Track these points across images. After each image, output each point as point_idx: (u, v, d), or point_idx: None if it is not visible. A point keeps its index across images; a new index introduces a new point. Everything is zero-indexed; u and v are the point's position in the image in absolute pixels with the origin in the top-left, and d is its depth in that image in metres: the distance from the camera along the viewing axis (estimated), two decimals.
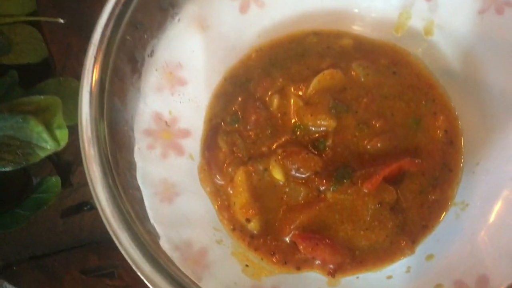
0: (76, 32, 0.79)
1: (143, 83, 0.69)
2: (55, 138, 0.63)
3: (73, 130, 0.74)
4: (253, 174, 0.72)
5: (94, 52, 0.56)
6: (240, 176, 0.72)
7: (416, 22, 0.76)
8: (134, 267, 0.53)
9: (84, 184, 0.78)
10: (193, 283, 0.54)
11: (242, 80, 0.79)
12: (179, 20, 0.69)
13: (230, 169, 0.73)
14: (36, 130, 0.63)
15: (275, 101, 0.75)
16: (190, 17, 0.73)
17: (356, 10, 0.79)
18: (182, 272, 0.55)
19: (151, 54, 0.66)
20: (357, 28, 0.79)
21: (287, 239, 0.70)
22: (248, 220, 0.71)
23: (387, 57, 0.78)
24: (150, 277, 0.53)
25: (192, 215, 0.71)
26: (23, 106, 0.66)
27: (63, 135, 0.63)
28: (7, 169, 0.62)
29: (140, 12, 0.62)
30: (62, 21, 0.65)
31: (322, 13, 0.81)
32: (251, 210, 0.71)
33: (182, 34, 0.71)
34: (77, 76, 0.77)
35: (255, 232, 0.71)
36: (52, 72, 0.78)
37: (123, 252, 0.53)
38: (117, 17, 0.58)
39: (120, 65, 0.61)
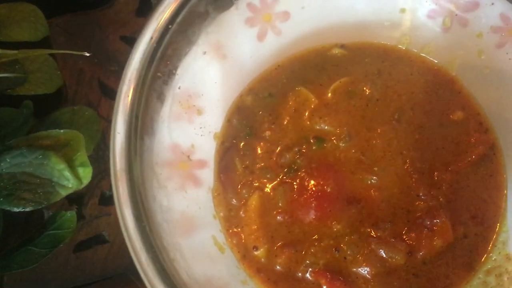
0: (88, 58, 0.76)
1: (167, 113, 0.67)
2: (77, 176, 0.61)
3: None
4: (267, 200, 0.71)
5: (128, 91, 0.54)
6: (254, 201, 0.71)
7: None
8: None
9: (96, 216, 0.75)
10: None
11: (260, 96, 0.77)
12: (205, 53, 0.67)
13: (244, 191, 0.71)
14: (58, 168, 0.60)
15: None
16: (212, 48, 0.71)
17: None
18: None
19: (179, 88, 0.64)
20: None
21: (300, 274, 0.69)
22: (255, 248, 0.69)
23: None
24: None
25: (212, 250, 0.70)
26: (41, 141, 0.63)
27: (86, 173, 0.60)
28: (28, 209, 0.59)
29: (170, 48, 0.60)
30: (87, 54, 0.62)
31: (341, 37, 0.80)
32: (260, 238, 0.69)
33: (205, 66, 0.70)
34: (89, 103, 0.75)
35: (263, 260, 0.69)
36: (64, 99, 0.75)
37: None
38: (151, 54, 0.56)
39: (151, 102, 0.59)
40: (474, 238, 0.68)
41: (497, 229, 0.69)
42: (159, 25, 0.56)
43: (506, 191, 0.69)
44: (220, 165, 0.73)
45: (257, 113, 0.75)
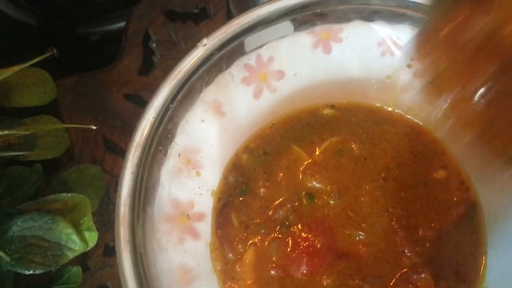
0: (94, 116, 0.81)
1: (167, 177, 0.72)
2: (84, 240, 0.65)
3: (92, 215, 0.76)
4: (262, 255, 0.75)
5: (132, 168, 0.59)
6: (249, 256, 0.75)
7: None
8: None
9: (100, 267, 0.80)
10: None
11: (255, 154, 0.81)
12: (203, 121, 0.72)
13: (240, 246, 0.76)
14: (66, 232, 0.64)
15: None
16: (210, 111, 0.76)
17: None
18: None
19: (178, 156, 0.69)
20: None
21: None
22: None
23: None
24: None
25: None
26: (50, 204, 0.67)
27: (92, 237, 0.65)
28: (37, 272, 0.64)
29: (170, 123, 0.65)
30: (94, 127, 0.67)
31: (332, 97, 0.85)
32: None
33: (203, 131, 0.74)
34: (94, 158, 0.80)
35: None
36: (70, 156, 0.79)
37: None
38: (153, 133, 0.61)
39: (152, 174, 0.63)
40: None
41: (478, 285, 0.73)
42: (160, 106, 0.61)
43: (486, 248, 0.74)
44: (217, 221, 0.77)
45: (253, 170, 0.80)
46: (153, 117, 0.60)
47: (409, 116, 0.81)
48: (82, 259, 0.79)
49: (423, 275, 0.73)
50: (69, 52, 0.89)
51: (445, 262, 0.74)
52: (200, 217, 0.78)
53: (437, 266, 0.74)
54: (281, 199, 0.78)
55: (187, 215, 0.74)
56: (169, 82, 0.61)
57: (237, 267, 0.76)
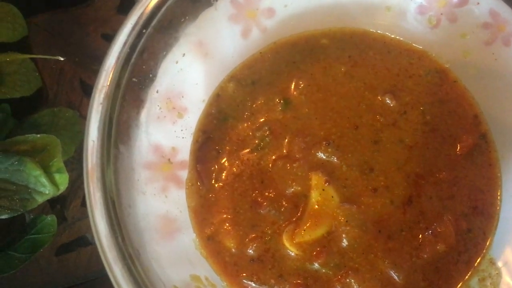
0: (69, 58, 0.74)
1: (145, 117, 0.66)
2: (54, 183, 0.60)
3: (68, 163, 0.71)
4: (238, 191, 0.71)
5: (100, 99, 0.53)
6: (226, 191, 0.70)
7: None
8: None
9: (79, 218, 0.75)
10: None
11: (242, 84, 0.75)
12: (184, 54, 0.66)
13: (218, 181, 0.71)
14: (34, 174, 0.59)
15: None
16: (192, 48, 0.69)
17: None
18: None
19: (157, 92, 0.63)
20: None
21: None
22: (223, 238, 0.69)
23: None
24: None
25: (193, 254, 0.69)
26: (18, 146, 0.62)
27: (62, 180, 0.60)
28: (4, 216, 0.59)
29: (146, 52, 0.58)
30: (61, 58, 0.61)
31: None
32: (230, 228, 0.69)
33: (185, 68, 0.68)
34: (70, 103, 0.74)
35: (233, 250, 0.68)
36: (44, 100, 0.73)
37: None
38: (124, 60, 0.55)
39: (126, 108, 0.58)
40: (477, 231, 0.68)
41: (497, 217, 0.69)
42: (132, 30, 0.55)
43: (500, 181, 0.69)
44: (197, 155, 0.71)
45: (239, 101, 0.73)
46: (124, 43, 0.54)
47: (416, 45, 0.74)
48: (59, 210, 0.74)
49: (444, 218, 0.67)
50: None
51: (464, 199, 0.69)
52: (184, 164, 0.72)
53: (457, 205, 0.69)
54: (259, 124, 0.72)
55: (169, 159, 0.68)
56: (141, 5, 0.55)
57: (211, 204, 0.70)
